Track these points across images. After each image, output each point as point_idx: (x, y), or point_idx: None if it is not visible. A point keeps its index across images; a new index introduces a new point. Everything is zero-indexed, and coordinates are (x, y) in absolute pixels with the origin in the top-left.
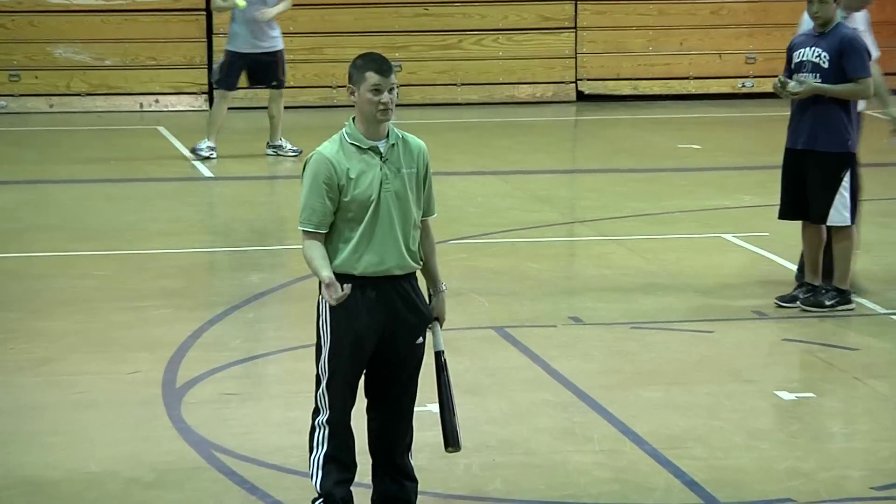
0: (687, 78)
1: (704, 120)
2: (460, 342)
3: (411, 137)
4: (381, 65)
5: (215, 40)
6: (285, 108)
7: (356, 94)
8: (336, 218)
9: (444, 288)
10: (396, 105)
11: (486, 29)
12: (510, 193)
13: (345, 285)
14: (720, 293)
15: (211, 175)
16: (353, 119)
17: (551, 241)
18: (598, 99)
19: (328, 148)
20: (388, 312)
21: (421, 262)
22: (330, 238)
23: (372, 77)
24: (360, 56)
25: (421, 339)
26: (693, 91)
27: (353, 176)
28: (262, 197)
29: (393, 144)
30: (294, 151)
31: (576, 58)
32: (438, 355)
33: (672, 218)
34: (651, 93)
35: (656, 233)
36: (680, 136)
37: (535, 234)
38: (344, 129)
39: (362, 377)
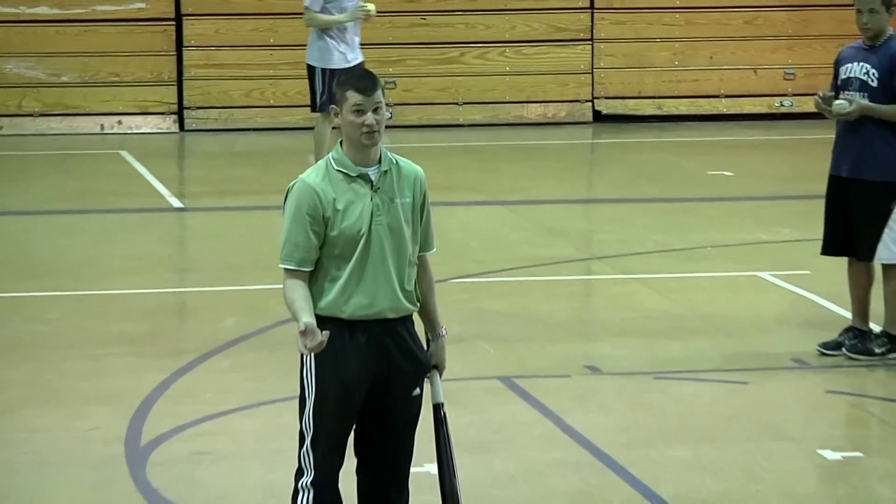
0: (717, 96)
1: (737, 143)
2: (462, 394)
3: (406, 163)
4: (362, 81)
5: (185, 54)
6: (267, 129)
7: (340, 115)
8: (322, 254)
9: (445, 332)
10: (390, 126)
11: (491, 41)
12: (519, 225)
13: (323, 332)
14: (756, 339)
15: (180, 205)
16: (341, 144)
17: (565, 279)
18: (618, 120)
19: (312, 176)
20: (381, 360)
21: (418, 304)
22: (315, 277)
23: (353, 96)
24: (343, 72)
25: (418, 390)
26: (724, 111)
27: (340, 207)
28: (239, 229)
29: (385, 171)
30: None
31: (592, 73)
32: (437, 409)
33: (702, 254)
34: (677, 113)
35: (684, 270)
36: (710, 161)
37: (548, 271)
38: (330, 155)
39: (352, 434)
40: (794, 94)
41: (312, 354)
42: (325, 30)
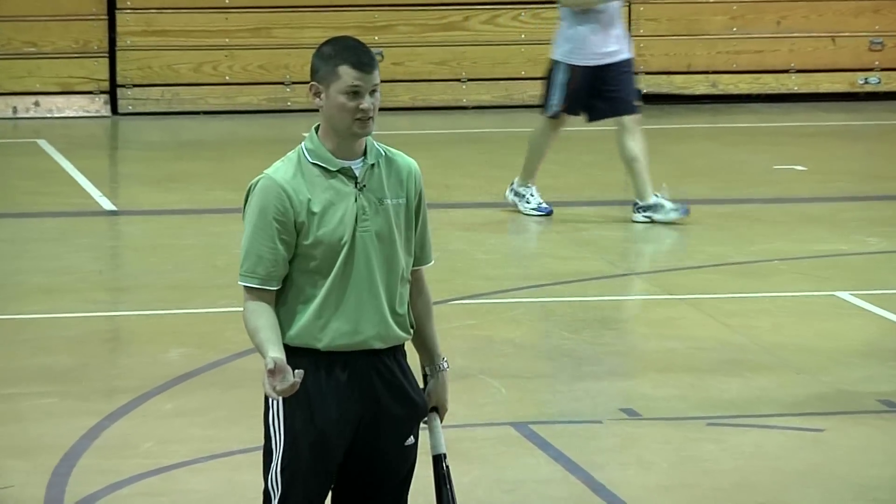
0: (787, 71)
1: (811, 130)
2: (467, 444)
3: (398, 155)
4: (359, 56)
5: (119, 18)
6: (222, 112)
7: (323, 95)
8: (292, 269)
9: (446, 366)
10: (378, 108)
11: (502, 2)
12: (537, 234)
13: (296, 371)
14: (835, 375)
15: (113, 208)
16: (317, 130)
17: (596, 300)
18: (662, 100)
19: (280, 171)
20: (366, 402)
21: (411, 331)
22: (284, 297)
23: (347, 74)
24: (329, 42)
25: (412, 438)
26: (795, 89)
27: (316, 210)
28: (186, 238)
29: (372, 165)
30: (541, 210)
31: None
32: (438, 461)
33: (766, 269)
34: (736, 91)
35: (744, 290)
36: (777, 153)
37: (573, 290)
38: (303, 145)
39: (329, 495)
40: (882, 68)
41: (280, 397)
42: (583, 13)
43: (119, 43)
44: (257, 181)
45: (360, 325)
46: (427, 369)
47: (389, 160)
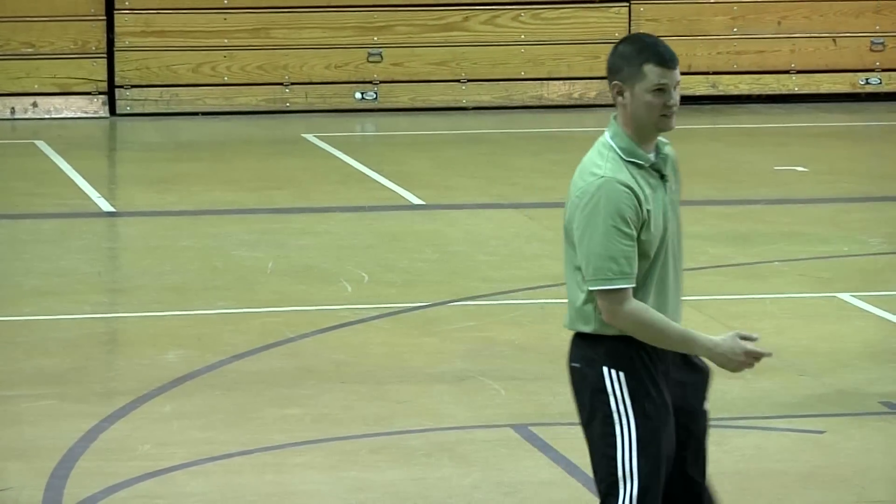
0: (788, 72)
1: (812, 131)
2: (467, 446)
3: (667, 143)
4: (662, 53)
5: (118, 18)
6: (220, 113)
7: (627, 94)
8: None
9: None
10: (376, 109)
11: (502, 3)
12: (538, 235)
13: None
14: (837, 377)
15: (111, 209)
16: (616, 121)
17: None
18: None
19: (616, 171)
20: (676, 378)
21: None
22: None
23: (653, 72)
24: (628, 41)
25: (707, 403)
26: (796, 90)
27: (649, 207)
28: (184, 240)
29: (664, 157)
30: None
31: None
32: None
33: (768, 270)
34: (737, 92)
35: (746, 291)
36: (778, 153)
37: None
38: (610, 140)
39: None
40: (883, 69)
41: (624, 381)
42: None
43: (117, 43)
44: (598, 183)
45: (672, 313)
46: None
47: (664, 147)
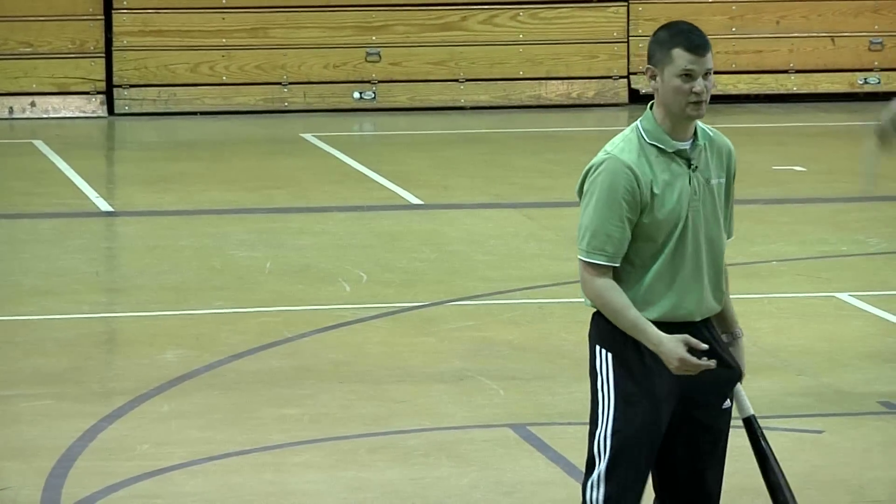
0: (786, 71)
1: (811, 130)
2: (465, 446)
3: (717, 135)
4: (692, 39)
5: (116, 18)
6: (218, 112)
7: (659, 79)
8: (629, 247)
9: (741, 333)
10: (375, 109)
11: (500, 2)
12: (536, 234)
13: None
14: (835, 377)
15: (109, 209)
16: (651, 109)
17: None
18: None
19: (625, 151)
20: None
21: (720, 305)
22: (617, 272)
23: (681, 56)
24: (664, 27)
25: (728, 402)
26: (794, 90)
27: (657, 190)
28: (182, 239)
29: (702, 146)
30: None
31: (628, 42)
32: (749, 423)
33: (766, 270)
34: (735, 92)
35: (744, 291)
36: (776, 153)
37: (572, 292)
38: (640, 125)
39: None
40: (882, 68)
41: (611, 360)
42: None
43: (115, 43)
44: (603, 161)
45: (685, 301)
46: (725, 336)
47: (712, 140)
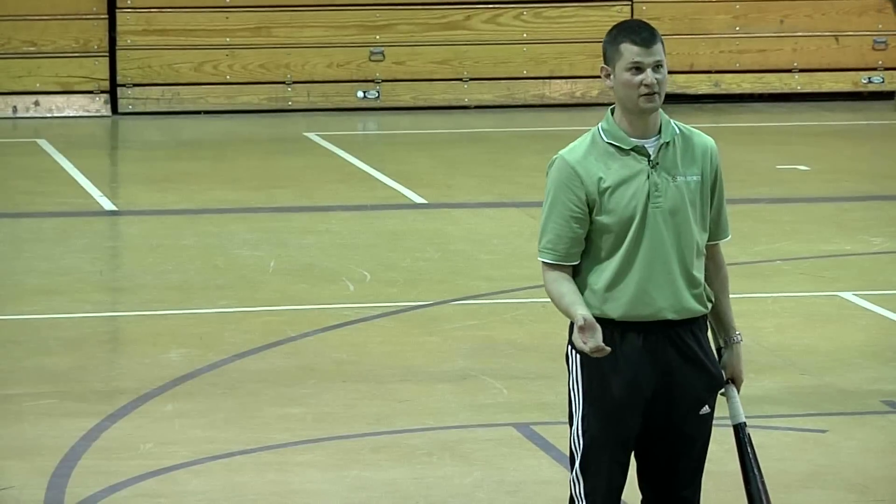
0: (790, 70)
1: (814, 130)
2: (469, 445)
3: (695, 133)
4: (638, 32)
5: (119, 17)
6: (222, 111)
7: (612, 76)
8: (587, 243)
9: (740, 339)
10: (378, 108)
11: (503, 1)
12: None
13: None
14: (838, 376)
15: (112, 208)
16: (612, 111)
17: None
18: (665, 99)
19: (574, 150)
20: (660, 371)
21: (709, 304)
22: (578, 269)
23: (628, 50)
24: (614, 26)
25: (707, 408)
26: (798, 89)
27: (607, 186)
28: (186, 238)
29: (667, 143)
30: None
31: None
32: (738, 430)
33: (770, 269)
34: (739, 91)
35: (747, 290)
36: (780, 152)
37: None
38: (600, 125)
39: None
40: (886, 67)
41: (579, 361)
42: None
43: (119, 42)
44: (551, 162)
45: (652, 297)
46: (721, 342)
47: (686, 138)
